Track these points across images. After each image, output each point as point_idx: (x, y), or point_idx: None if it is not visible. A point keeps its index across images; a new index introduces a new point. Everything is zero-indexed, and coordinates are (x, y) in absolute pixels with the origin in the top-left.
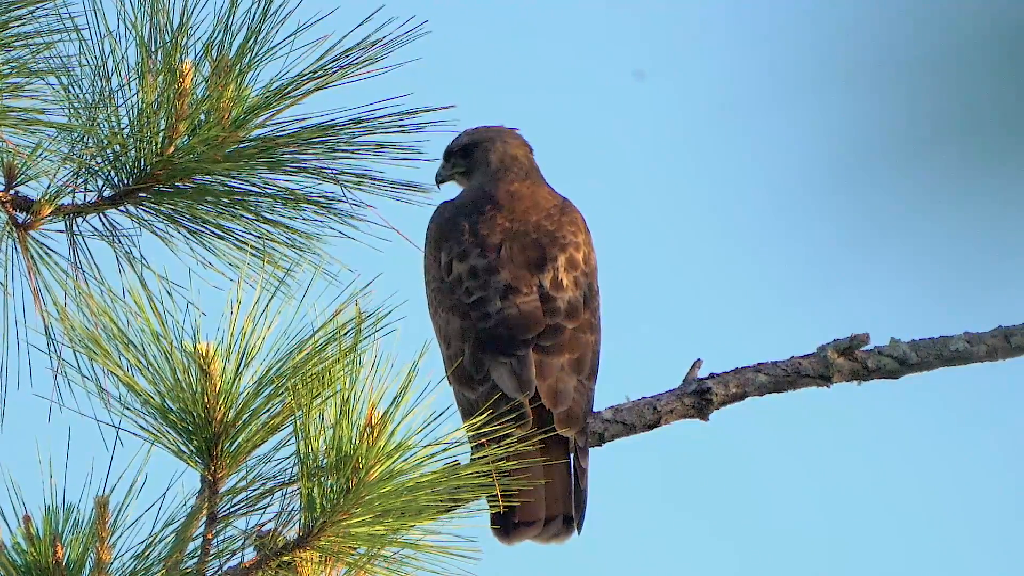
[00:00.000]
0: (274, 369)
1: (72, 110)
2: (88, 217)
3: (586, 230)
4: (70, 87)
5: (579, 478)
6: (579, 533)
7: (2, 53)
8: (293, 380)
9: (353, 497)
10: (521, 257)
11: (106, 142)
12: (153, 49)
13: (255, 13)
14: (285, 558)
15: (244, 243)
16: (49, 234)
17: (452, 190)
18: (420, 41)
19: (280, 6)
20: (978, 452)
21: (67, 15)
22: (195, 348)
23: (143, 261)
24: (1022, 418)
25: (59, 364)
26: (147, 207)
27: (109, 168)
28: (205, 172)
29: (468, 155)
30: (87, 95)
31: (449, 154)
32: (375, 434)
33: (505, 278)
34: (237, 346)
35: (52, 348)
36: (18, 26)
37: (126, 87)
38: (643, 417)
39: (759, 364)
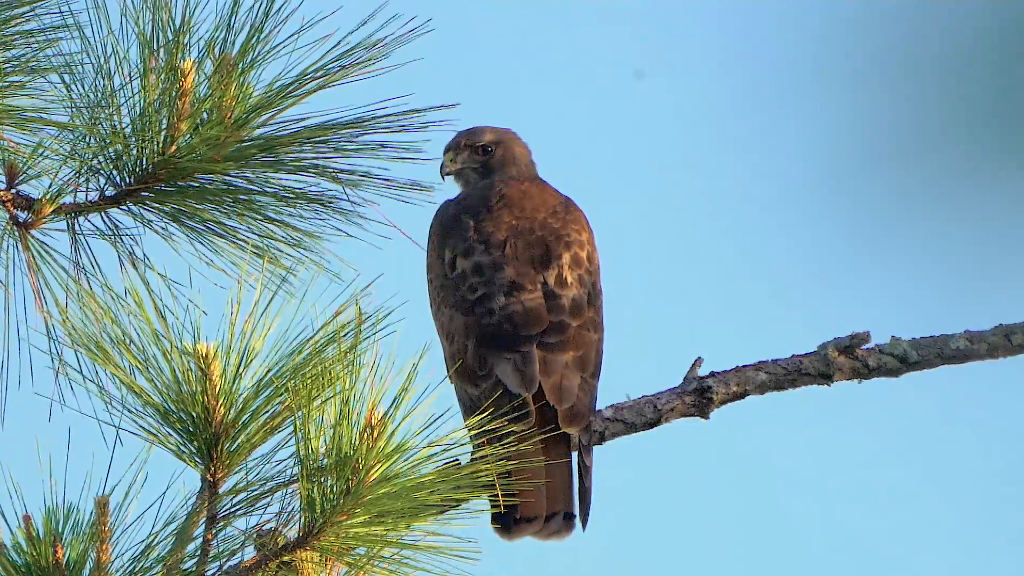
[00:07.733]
0: (274, 370)
1: (74, 109)
2: (89, 216)
3: (589, 229)
4: (72, 85)
5: (583, 476)
6: (584, 530)
7: (3, 51)
8: (293, 381)
9: (353, 498)
10: (525, 254)
11: (108, 141)
12: (155, 48)
13: (257, 12)
14: (285, 558)
15: (246, 242)
16: (50, 233)
17: (451, 185)
18: (422, 40)
19: (283, 5)
20: (979, 451)
21: (69, 13)
22: (195, 348)
23: (145, 260)
24: (1023, 417)
25: (60, 363)
26: (149, 206)
27: (111, 167)
28: (207, 171)
29: (488, 153)
30: (89, 94)
31: (458, 148)
32: (375, 435)
33: (509, 275)
34: (237, 346)
35: (53, 347)
36: (19, 24)
37: (128, 86)
38: (643, 415)
39: (760, 362)
